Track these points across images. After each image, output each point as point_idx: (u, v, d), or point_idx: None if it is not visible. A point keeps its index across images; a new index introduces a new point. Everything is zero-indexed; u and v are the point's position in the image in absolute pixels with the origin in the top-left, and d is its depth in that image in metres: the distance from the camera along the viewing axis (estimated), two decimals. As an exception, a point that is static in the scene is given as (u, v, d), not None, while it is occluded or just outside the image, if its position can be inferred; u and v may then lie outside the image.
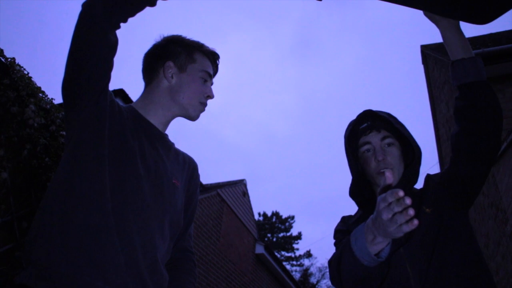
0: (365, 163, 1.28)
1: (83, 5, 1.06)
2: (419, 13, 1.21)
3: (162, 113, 1.27)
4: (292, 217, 29.14)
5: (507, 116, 4.87)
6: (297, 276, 26.46)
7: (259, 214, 28.73)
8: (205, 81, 1.30)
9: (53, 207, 1.03)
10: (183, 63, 1.28)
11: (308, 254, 28.07)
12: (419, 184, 1.30)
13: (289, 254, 28.32)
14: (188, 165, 1.35)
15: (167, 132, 1.31)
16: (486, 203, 5.18)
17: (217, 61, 1.36)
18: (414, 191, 1.27)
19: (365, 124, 1.31)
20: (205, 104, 1.31)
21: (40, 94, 2.55)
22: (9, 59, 2.41)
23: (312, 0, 1.09)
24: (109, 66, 1.12)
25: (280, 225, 28.99)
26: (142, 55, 1.34)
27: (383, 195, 0.89)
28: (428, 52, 7.63)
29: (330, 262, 1.18)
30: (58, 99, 2.77)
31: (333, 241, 1.35)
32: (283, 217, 29.18)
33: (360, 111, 1.35)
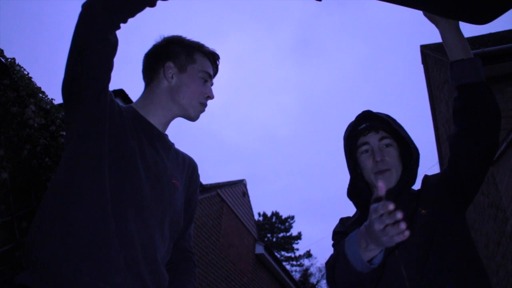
0: (363, 164, 1.28)
1: (83, 6, 1.06)
2: (419, 13, 1.21)
3: (162, 114, 1.27)
4: (292, 217, 29.16)
5: (507, 116, 4.87)
6: (297, 276, 26.47)
7: (259, 214, 28.75)
8: (205, 81, 1.30)
9: (53, 207, 1.03)
10: (183, 64, 1.28)
11: (308, 254, 28.09)
12: (417, 185, 1.30)
13: (289, 254, 28.33)
14: (188, 165, 1.35)
15: (167, 132, 1.31)
16: (486, 203, 5.18)
17: (217, 62, 1.36)
18: (412, 192, 1.27)
19: (364, 125, 1.31)
20: (205, 105, 1.31)
21: (40, 95, 2.55)
22: (9, 59, 2.41)
23: (312, 0, 1.09)
24: (109, 67, 1.13)
25: (280, 225, 28.99)
26: (142, 55, 1.34)
27: (375, 205, 0.90)
28: (428, 52, 7.63)
29: (327, 263, 1.19)
30: (58, 99, 2.77)
31: (332, 242, 1.35)
32: (283, 217, 29.20)
33: (360, 111, 1.35)
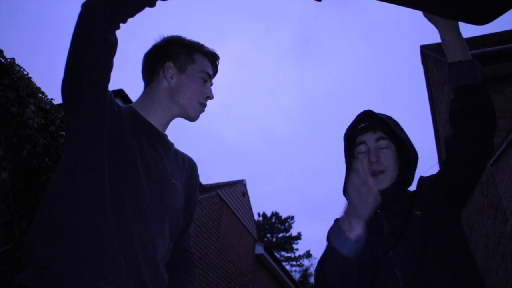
0: (359, 163, 1.28)
1: (83, 6, 1.06)
2: (419, 14, 1.21)
3: (161, 114, 1.27)
4: (292, 217, 29.15)
5: (507, 117, 4.88)
6: (296, 276, 26.46)
7: (259, 214, 28.73)
8: (205, 81, 1.30)
9: (53, 208, 1.03)
10: (183, 64, 1.28)
11: (308, 255, 28.08)
12: (414, 187, 1.30)
13: (288, 255, 28.32)
14: (188, 165, 1.35)
15: (166, 132, 1.31)
16: (486, 203, 5.18)
17: (217, 62, 1.36)
18: (407, 193, 1.27)
19: (363, 124, 1.31)
20: (204, 105, 1.31)
21: (40, 95, 2.55)
22: (9, 60, 2.41)
23: (312, 0, 1.09)
24: (109, 67, 1.12)
25: (279, 225, 28.98)
26: (141, 55, 1.34)
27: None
28: (428, 52, 7.64)
29: (316, 266, 1.21)
30: (57, 99, 2.77)
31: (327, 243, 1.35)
32: (283, 217, 29.18)
33: (360, 111, 1.36)
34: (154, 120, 1.26)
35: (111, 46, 1.10)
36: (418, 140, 1.31)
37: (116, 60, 1.14)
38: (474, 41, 6.25)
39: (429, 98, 8.69)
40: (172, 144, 1.32)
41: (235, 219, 9.59)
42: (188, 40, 1.32)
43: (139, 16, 1.12)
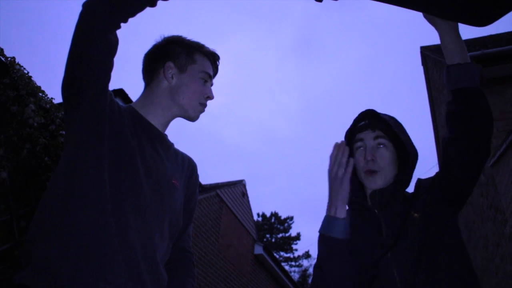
0: (356, 160, 1.29)
1: (84, 5, 1.06)
2: (419, 15, 1.21)
3: (161, 114, 1.27)
4: (291, 218, 29.15)
5: (507, 118, 4.88)
6: (296, 276, 26.47)
7: (258, 214, 28.73)
8: (205, 81, 1.30)
9: (52, 207, 1.03)
10: (183, 64, 1.28)
11: (307, 255, 28.08)
12: (411, 188, 1.31)
13: (288, 255, 28.32)
14: (188, 165, 1.35)
15: (166, 132, 1.32)
16: (485, 204, 5.18)
17: (217, 62, 1.36)
18: (406, 194, 1.27)
19: (363, 122, 1.32)
20: (204, 105, 1.31)
21: (40, 94, 2.55)
22: (9, 58, 2.41)
23: (312, 0, 1.09)
24: (109, 66, 1.12)
25: (279, 226, 28.98)
26: (142, 55, 1.34)
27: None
28: (428, 54, 7.64)
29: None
30: (58, 98, 2.77)
31: None
32: (282, 217, 29.18)
33: (361, 111, 1.36)
34: (154, 120, 1.26)
35: (112, 45, 1.10)
36: (418, 141, 1.32)
37: (117, 59, 1.14)
38: (475, 43, 6.26)
39: (429, 99, 8.68)
40: (172, 144, 1.32)
41: (235, 219, 9.59)
42: (189, 40, 1.33)
43: (140, 15, 1.12)
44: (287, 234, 28.75)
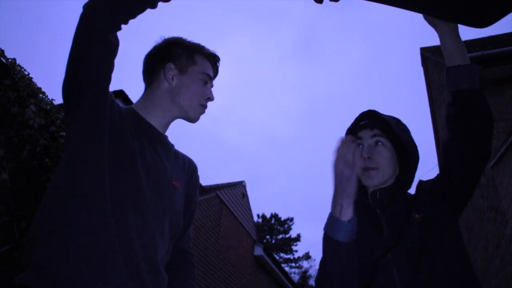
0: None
1: (85, 7, 1.07)
2: (419, 16, 1.21)
3: (162, 115, 1.27)
4: (291, 219, 29.12)
5: (507, 119, 4.88)
6: (296, 278, 26.42)
7: (258, 216, 28.70)
8: (206, 83, 1.31)
9: (52, 208, 1.03)
10: (184, 65, 1.28)
11: (307, 256, 28.04)
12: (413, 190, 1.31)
13: (288, 256, 28.29)
14: (188, 167, 1.35)
15: (167, 133, 1.32)
16: (486, 205, 5.18)
17: (218, 63, 1.37)
18: (407, 195, 1.28)
19: (364, 122, 1.33)
20: (205, 106, 1.31)
21: (41, 95, 2.56)
22: (10, 60, 2.41)
23: (313, 1, 1.09)
24: (110, 68, 1.13)
25: (279, 227, 28.95)
26: (142, 56, 1.34)
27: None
28: (428, 55, 7.65)
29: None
30: (58, 99, 2.77)
31: None
32: (282, 219, 29.15)
33: (361, 112, 1.37)
34: (155, 121, 1.26)
35: (112, 47, 1.10)
36: (418, 141, 1.32)
37: (117, 60, 1.15)
38: (474, 44, 6.26)
39: (429, 100, 8.69)
40: (172, 145, 1.32)
41: (235, 220, 9.58)
42: (189, 42, 1.33)
43: (140, 17, 1.13)
44: (287, 235, 28.72)
